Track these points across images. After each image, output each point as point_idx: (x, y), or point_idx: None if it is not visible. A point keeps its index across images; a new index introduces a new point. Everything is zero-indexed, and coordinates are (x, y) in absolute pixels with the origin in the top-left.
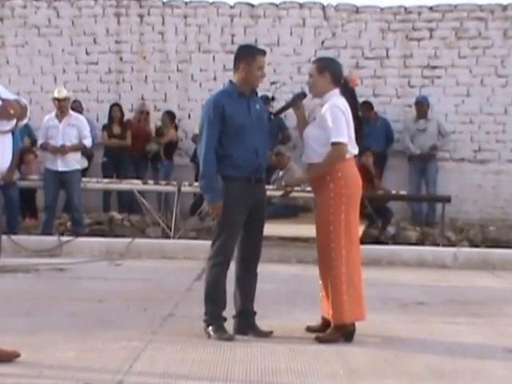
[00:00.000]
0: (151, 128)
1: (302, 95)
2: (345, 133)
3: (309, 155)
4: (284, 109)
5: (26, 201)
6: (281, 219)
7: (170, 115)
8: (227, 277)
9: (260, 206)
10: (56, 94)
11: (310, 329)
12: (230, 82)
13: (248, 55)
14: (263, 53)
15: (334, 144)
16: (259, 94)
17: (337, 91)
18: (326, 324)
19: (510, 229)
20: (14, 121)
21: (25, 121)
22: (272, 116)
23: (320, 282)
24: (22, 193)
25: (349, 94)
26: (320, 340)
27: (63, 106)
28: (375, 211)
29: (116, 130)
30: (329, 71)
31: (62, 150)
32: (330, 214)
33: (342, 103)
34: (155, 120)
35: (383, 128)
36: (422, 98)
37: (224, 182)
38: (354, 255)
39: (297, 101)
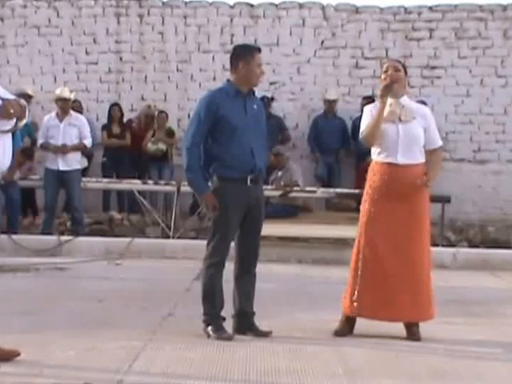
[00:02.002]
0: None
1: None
2: None
3: (415, 156)
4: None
5: (27, 200)
6: (280, 219)
7: (166, 115)
8: (226, 276)
9: (256, 206)
10: (60, 93)
11: (338, 333)
12: (228, 81)
13: (246, 54)
14: (259, 50)
15: (440, 148)
16: (259, 94)
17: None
18: (350, 324)
19: (510, 229)
20: (14, 120)
21: (24, 121)
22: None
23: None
24: (22, 192)
25: None
26: (417, 339)
27: (66, 106)
28: None
29: (115, 129)
30: (406, 75)
31: (64, 149)
32: (427, 218)
33: None
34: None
35: None
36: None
37: (219, 181)
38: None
39: (392, 87)
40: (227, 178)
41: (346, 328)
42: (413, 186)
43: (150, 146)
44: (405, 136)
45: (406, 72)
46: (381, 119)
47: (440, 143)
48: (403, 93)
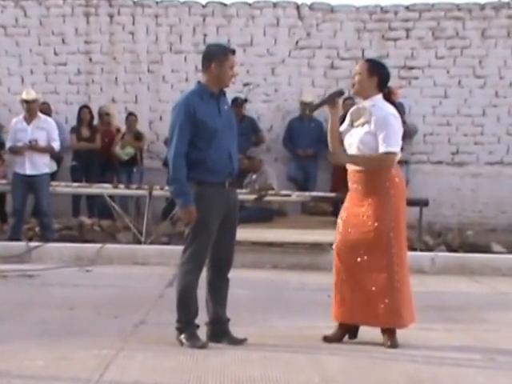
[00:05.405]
0: (117, 131)
1: (340, 93)
2: (399, 143)
3: None
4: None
5: None
6: (255, 223)
7: (135, 117)
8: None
9: (233, 210)
10: (24, 96)
11: (328, 339)
12: (199, 82)
13: (220, 54)
14: (234, 52)
15: (387, 153)
16: (232, 96)
17: (381, 96)
18: (343, 331)
19: (489, 233)
20: None
21: None
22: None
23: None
24: None
25: (390, 104)
26: (394, 346)
27: (32, 109)
28: None
29: (85, 132)
30: (378, 75)
31: (32, 146)
32: (392, 220)
33: (395, 111)
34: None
35: None
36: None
37: (198, 187)
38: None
39: (334, 98)
40: (207, 182)
41: (338, 335)
42: (369, 190)
43: (119, 150)
44: (350, 141)
45: (377, 72)
46: (331, 128)
47: (383, 150)
48: (364, 94)
